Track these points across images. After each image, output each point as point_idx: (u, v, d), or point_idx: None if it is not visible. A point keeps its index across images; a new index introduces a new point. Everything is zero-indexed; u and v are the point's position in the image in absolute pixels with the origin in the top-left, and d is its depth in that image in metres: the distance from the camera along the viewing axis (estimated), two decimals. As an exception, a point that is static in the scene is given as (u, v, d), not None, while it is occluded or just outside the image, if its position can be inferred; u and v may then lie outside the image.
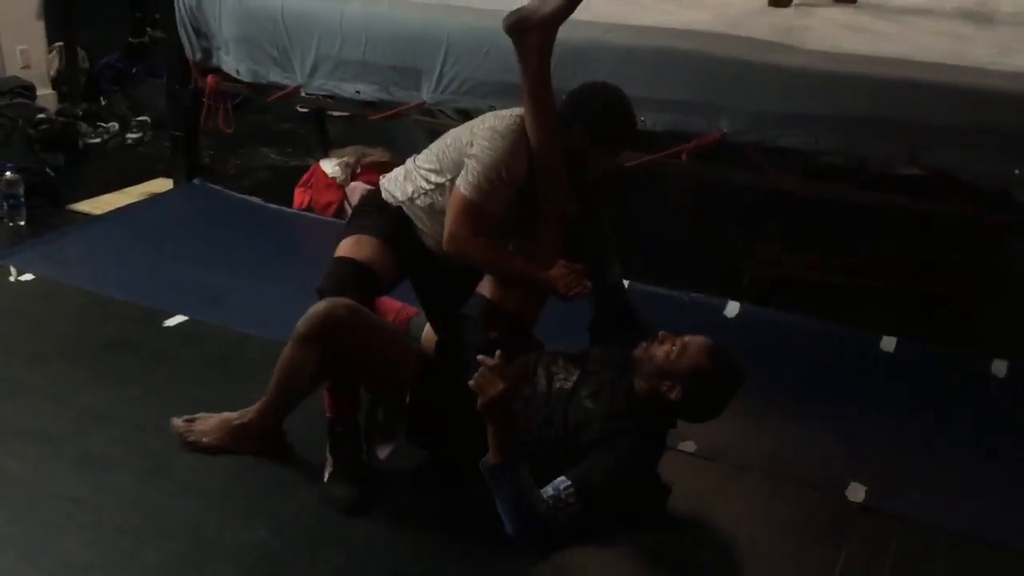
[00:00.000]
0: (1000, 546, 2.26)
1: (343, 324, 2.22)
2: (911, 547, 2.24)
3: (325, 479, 2.31)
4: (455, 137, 2.51)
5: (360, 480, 2.30)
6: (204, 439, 2.39)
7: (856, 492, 2.40)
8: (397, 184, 2.57)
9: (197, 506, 2.19)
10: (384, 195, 2.58)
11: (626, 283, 3.33)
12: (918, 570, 2.18)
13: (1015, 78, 2.92)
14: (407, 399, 2.35)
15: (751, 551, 2.22)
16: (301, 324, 2.24)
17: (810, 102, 3.05)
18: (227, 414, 2.42)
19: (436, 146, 2.56)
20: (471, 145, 2.41)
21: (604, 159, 2.53)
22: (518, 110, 2.46)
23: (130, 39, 5.56)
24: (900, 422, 2.76)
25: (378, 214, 2.55)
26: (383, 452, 2.41)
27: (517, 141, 2.40)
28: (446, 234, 2.41)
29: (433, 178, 2.49)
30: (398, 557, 2.09)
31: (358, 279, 2.39)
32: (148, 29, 5.49)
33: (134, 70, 5.53)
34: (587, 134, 2.43)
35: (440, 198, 2.47)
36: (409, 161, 2.60)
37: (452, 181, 2.44)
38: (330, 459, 2.33)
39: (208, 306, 3.18)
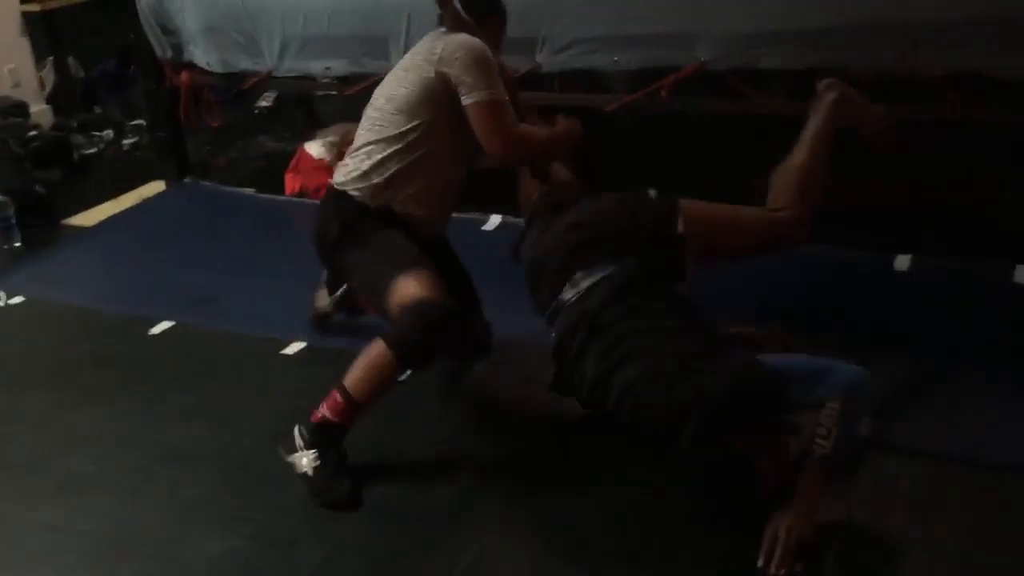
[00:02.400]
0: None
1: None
2: (923, 482, 2.10)
3: (309, 473, 2.23)
4: (408, 83, 2.40)
5: (348, 474, 2.23)
6: None
7: (863, 427, 2.25)
8: (367, 176, 2.42)
9: (174, 520, 2.13)
10: (361, 199, 2.41)
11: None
12: (930, 505, 2.03)
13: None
14: None
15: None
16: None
17: (788, 18, 2.86)
18: None
19: (382, 108, 2.44)
20: (449, 66, 2.34)
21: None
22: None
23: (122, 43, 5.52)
24: (914, 348, 2.59)
25: (386, 228, 2.39)
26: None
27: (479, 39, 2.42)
28: (496, 146, 2.35)
29: (406, 136, 2.38)
30: (377, 552, 2.01)
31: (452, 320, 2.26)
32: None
33: (128, 74, 5.48)
34: (499, 22, 2.57)
35: (423, 145, 2.39)
36: (356, 153, 2.46)
37: (434, 119, 2.38)
38: (316, 453, 2.24)
39: (198, 308, 3.13)
